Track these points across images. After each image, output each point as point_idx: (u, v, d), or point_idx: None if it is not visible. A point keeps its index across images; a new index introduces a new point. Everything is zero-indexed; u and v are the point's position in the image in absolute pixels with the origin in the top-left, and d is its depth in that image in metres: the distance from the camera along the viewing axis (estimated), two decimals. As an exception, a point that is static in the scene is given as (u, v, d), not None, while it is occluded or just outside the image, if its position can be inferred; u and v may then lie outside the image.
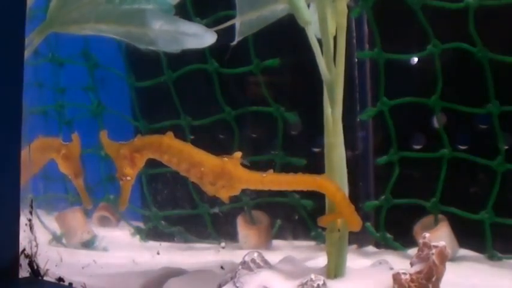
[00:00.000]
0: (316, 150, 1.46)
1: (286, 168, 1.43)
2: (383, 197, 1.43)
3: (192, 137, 1.54)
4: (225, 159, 0.94)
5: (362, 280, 0.94)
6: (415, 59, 1.45)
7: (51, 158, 1.17)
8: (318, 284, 0.88)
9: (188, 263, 1.32)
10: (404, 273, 0.86)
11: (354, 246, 1.46)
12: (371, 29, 1.42)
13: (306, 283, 0.88)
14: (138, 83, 1.61)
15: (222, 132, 1.56)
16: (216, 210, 1.50)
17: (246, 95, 1.58)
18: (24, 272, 1.10)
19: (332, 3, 0.97)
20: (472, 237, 1.38)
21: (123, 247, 1.57)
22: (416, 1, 1.35)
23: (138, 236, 1.63)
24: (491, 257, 1.35)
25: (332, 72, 0.97)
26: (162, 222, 1.59)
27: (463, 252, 1.40)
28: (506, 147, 1.34)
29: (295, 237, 1.54)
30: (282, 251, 1.48)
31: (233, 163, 0.94)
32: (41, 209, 1.53)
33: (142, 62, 1.57)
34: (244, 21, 1.10)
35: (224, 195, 0.95)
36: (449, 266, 0.87)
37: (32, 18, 1.15)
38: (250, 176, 0.94)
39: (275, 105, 1.49)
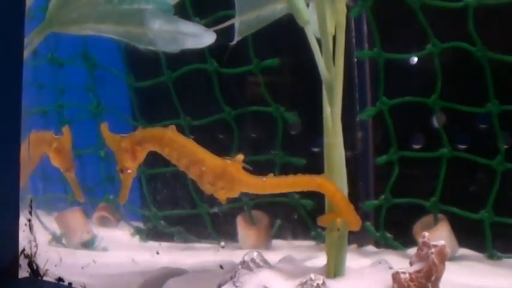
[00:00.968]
0: (315, 150, 1.46)
1: (286, 168, 1.44)
2: (383, 197, 1.43)
3: (191, 137, 1.54)
4: (228, 161, 0.94)
5: (362, 279, 0.94)
6: (415, 59, 1.45)
7: (43, 152, 1.16)
8: (318, 284, 0.88)
9: (188, 263, 1.33)
10: (404, 273, 0.86)
11: (354, 245, 1.46)
12: (370, 28, 1.42)
13: (305, 283, 0.88)
14: (138, 83, 1.61)
15: (221, 132, 1.56)
16: (215, 210, 1.50)
17: (245, 95, 1.58)
18: (23, 272, 1.10)
19: (331, 3, 0.96)
20: (472, 236, 1.38)
21: (122, 247, 1.57)
22: (416, 0, 1.35)
23: (137, 236, 1.63)
24: (491, 257, 1.36)
25: (331, 72, 0.97)
26: (162, 222, 1.59)
27: (463, 251, 1.40)
28: (506, 146, 1.34)
29: (295, 237, 1.54)
30: (281, 250, 1.48)
31: (235, 166, 0.93)
32: (40, 209, 1.53)
33: (141, 62, 1.57)
34: (244, 21, 1.09)
35: (222, 196, 0.95)
36: (448, 265, 0.88)
37: (32, 18, 1.15)
38: (251, 180, 0.94)
39: (275, 105, 1.49)
